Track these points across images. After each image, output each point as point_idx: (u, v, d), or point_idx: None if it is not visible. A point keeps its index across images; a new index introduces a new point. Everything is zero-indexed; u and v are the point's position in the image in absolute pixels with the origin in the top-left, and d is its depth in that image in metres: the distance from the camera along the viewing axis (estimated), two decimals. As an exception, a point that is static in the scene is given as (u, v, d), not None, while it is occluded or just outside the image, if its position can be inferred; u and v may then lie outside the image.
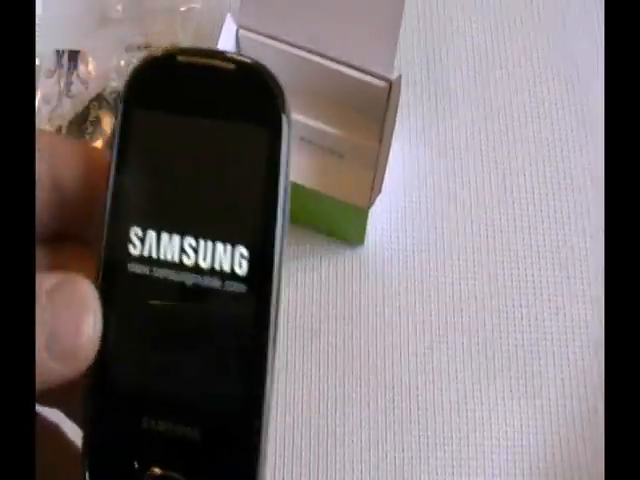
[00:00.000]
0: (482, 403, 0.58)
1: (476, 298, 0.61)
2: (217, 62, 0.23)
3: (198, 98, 0.23)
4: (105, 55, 0.73)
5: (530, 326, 0.61)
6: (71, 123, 0.69)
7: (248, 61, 0.23)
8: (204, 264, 0.22)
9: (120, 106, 0.23)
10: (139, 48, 0.73)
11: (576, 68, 0.70)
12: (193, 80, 0.23)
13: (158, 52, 0.24)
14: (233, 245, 0.22)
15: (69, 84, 0.72)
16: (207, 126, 0.23)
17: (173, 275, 0.22)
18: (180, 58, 0.23)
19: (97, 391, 0.22)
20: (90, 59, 0.73)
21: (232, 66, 0.23)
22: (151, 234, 0.22)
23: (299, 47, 0.63)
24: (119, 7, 0.74)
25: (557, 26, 0.72)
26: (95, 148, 0.23)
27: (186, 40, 0.73)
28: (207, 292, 0.22)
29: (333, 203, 0.57)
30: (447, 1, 0.73)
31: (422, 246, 0.63)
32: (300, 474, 0.56)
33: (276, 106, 0.22)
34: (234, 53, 0.24)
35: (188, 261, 0.22)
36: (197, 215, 0.22)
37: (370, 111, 0.64)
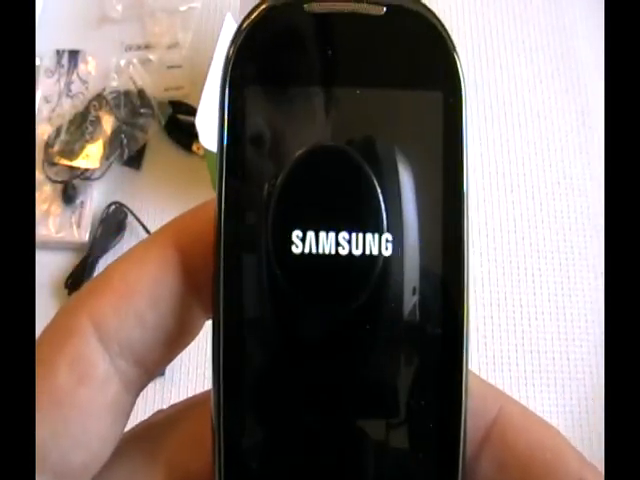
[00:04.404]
0: (482, 403, 0.58)
1: (476, 298, 0.61)
2: (362, 7, 0.17)
3: (342, 60, 0.17)
4: (105, 55, 0.73)
5: (530, 326, 0.61)
6: (71, 123, 0.69)
7: (405, 4, 0.17)
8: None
9: (226, 87, 0.17)
10: (139, 48, 0.73)
11: (576, 68, 0.70)
12: (331, 36, 0.17)
13: (273, 2, 0.17)
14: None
15: (69, 84, 0.72)
16: (360, 99, 0.17)
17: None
18: (308, 7, 0.17)
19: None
20: (90, 59, 0.73)
21: (382, 11, 0.17)
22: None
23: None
24: (119, 7, 0.74)
25: (557, 26, 0.72)
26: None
27: (186, 40, 0.73)
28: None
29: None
30: (447, 2, 0.73)
31: (422, 246, 0.63)
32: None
33: (451, 62, 0.17)
34: None
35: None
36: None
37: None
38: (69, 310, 0.18)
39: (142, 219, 0.66)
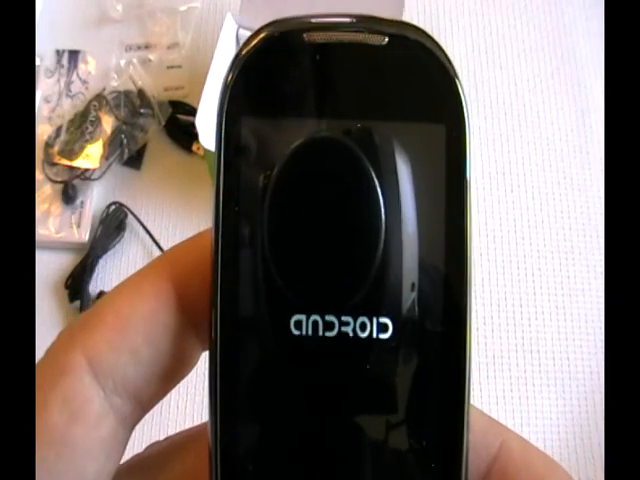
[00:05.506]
0: (482, 404, 0.58)
1: (476, 298, 0.61)
2: (363, 37, 0.16)
3: (342, 92, 0.16)
4: (105, 55, 0.73)
5: (530, 326, 0.61)
6: (71, 123, 0.69)
7: (408, 34, 0.16)
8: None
9: (223, 117, 0.16)
10: (139, 48, 0.73)
11: (576, 68, 0.70)
12: (331, 66, 0.16)
13: (272, 30, 0.16)
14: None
15: (69, 84, 0.72)
16: (361, 131, 0.16)
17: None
18: (307, 36, 0.16)
19: None
20: (90, 59, 0.73)
21: (384, 40, 0.16)
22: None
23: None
24: (119, 7, 0.74)
25: (557, 26, 0.72)
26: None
27: (186, 40, 0.73)
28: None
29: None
30: (447, 2, 0.73)
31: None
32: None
33: (454, 94, 0.16)
34: (387, 20, 0.17)
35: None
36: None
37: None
38: (62, 346, 0.18)
39: (142, 219, 0.66)
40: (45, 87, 0.72)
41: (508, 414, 0.57)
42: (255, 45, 0.16)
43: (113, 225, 0.65)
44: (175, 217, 0.66)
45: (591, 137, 0.67)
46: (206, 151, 0.60)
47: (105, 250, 0.65)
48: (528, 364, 0.59)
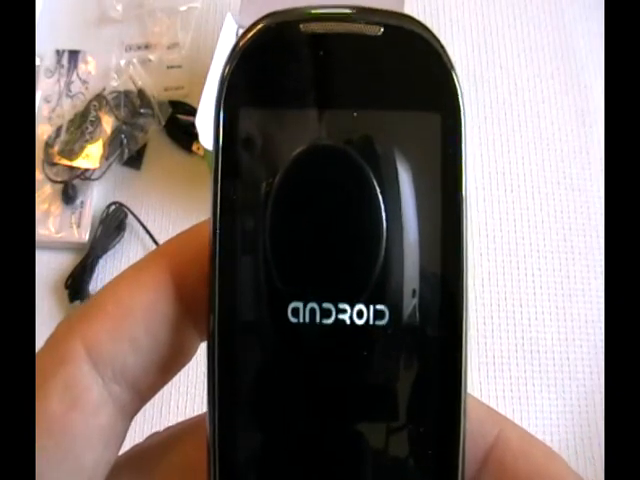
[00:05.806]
0: (482, 403, 0.58)
1: (476, 298, 0.61)
2: (359, 27, 0.16)
3: (339, 82, 0.17)
4: (105, 55, 0.73)
5: (530, 326, 0.61)
6: (71, 123, 0.69)
7: (404, 24, 0.16)
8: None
9: (220, 108, 0.17)
10: (139, 48, 0.73)
11: (576, 68, 0.70)
12: (328, 57, 0.17)
13: (269, 21, 0.17)
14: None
15: (69, 84, 0.72)
16: (358, 121, 0.16)
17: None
18: (304, 27, 0.16)
19: None
20: (90, 59, 0.73)
21: (380, 31, 0.16)
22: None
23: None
24: (119, 7, 0.74)
25: (557, 26, 0.72)
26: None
27: (186, 40, 0.73)
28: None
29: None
30: (447, 2, 0.73)
31: (422, 246, 0.63)
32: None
33: (450, 83, 0.16)
34: (383, 11, 0.17)
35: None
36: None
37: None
38: (62, 335, 0.18)
39: (142, 219, 0.66)
40: (45, 87, 0.72)
41: (508, 414, 0.57)
42: (252, 36, 0.17)
43: (113, 225, 0.65)
44: (175, 217, 0.66)
45: (591, 137, 0.67)
46: (206, 151, 0.60)
47: (105, 250, 0.65)
48: (528, 364, 0.59)
